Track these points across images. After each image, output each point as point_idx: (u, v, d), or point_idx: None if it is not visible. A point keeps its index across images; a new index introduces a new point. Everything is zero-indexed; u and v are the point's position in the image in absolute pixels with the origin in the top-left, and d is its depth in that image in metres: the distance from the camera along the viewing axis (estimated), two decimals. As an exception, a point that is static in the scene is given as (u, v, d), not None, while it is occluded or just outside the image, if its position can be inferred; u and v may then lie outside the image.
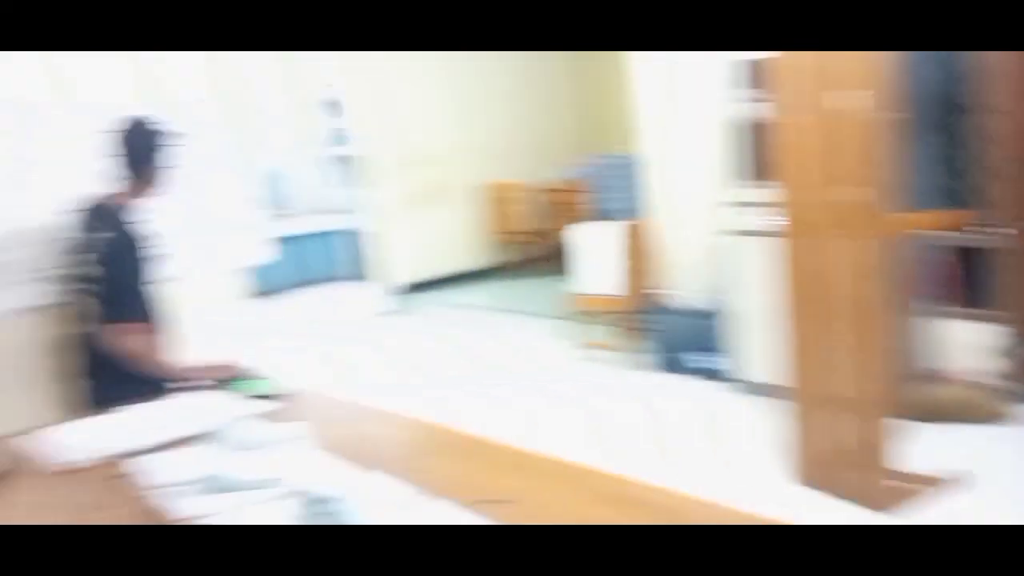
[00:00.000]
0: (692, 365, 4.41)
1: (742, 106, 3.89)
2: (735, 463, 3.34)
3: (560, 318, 5.25)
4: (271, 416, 1.93)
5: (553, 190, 7.16)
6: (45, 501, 1.55)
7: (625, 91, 4.90)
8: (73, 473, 1.67)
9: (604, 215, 4.87)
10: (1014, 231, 3.63)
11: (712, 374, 4.31)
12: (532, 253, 7.23)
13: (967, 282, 3.78)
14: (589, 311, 4.98)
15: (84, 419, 1.99)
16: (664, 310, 4.56)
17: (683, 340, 4.45)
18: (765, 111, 3.71)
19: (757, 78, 3.76)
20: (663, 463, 3.38)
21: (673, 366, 4.50)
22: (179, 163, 2.33)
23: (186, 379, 2.22)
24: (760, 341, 3.93)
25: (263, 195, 3.25)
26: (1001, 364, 3.73)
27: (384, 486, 1.40)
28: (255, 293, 4.07)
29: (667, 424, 3.83)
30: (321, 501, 1.26)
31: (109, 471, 1.65)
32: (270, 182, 6.98)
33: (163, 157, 2.30)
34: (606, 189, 5.02)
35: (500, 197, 7.14)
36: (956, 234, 3.68)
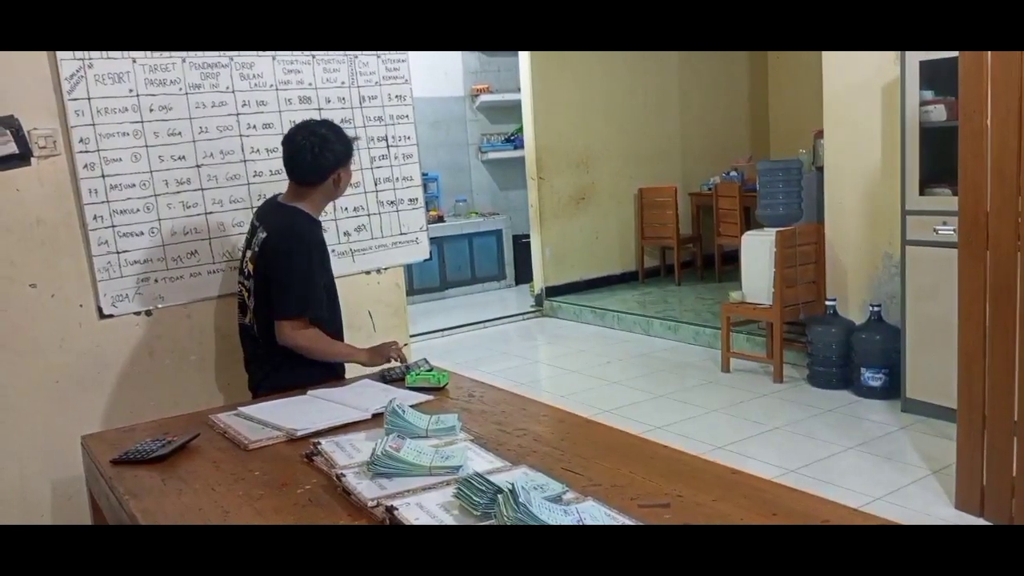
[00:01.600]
0: (854, 380, 4.20)
1: (926, 109, 3.67)
2: (897, 484, 3.15)
3: (712, 326, 5.13)
4: (431, 406, 2.00)
5: (709, 195, 7.01)
6: (233, 474, 1.68)
7: (798, 93, 4.74)
8: (260, 450, 1.80)
9: (766, 221, 4.71)
10: None
11: (876, 391, 4.08)
12: (684, 259, 7.11)
13: None
14: (747, 320, 4.84)
15: (266, 401, 2.14)
16: (827, 321, 4.36)
17: (846, 353, 4.24)
18: (949, 115, 3.49)
19: (942, 80, 3.54)
20: (823, 480, 3.24)
21: (833, 380, 4.30)
22: (347, 165, 2.43)
23: (375, 361, 2.39)
24: (929, 358, 3.70)
25: (423, 196, 3.37)
26: None
27: (538, 480, 1.42)
28: (409, 292, 4.22)
29: (818, 439, 3.66)
30: (484, 490, 1.30)
31: (293, 449, 1.77)
32: (430, 183, 7.23)
33: (328, 159, 2.38)
34: (770, 195, 4.86)
35: (654, 201, 7.06)
36: None
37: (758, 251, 4.57)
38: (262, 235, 2.37)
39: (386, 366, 2.39)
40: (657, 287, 6.97)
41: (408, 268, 3.49)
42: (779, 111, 7.75)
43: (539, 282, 6.81)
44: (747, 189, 6.40)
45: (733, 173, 6.96)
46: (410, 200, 3.27)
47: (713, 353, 5.03)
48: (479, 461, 1.58)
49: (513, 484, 1.23)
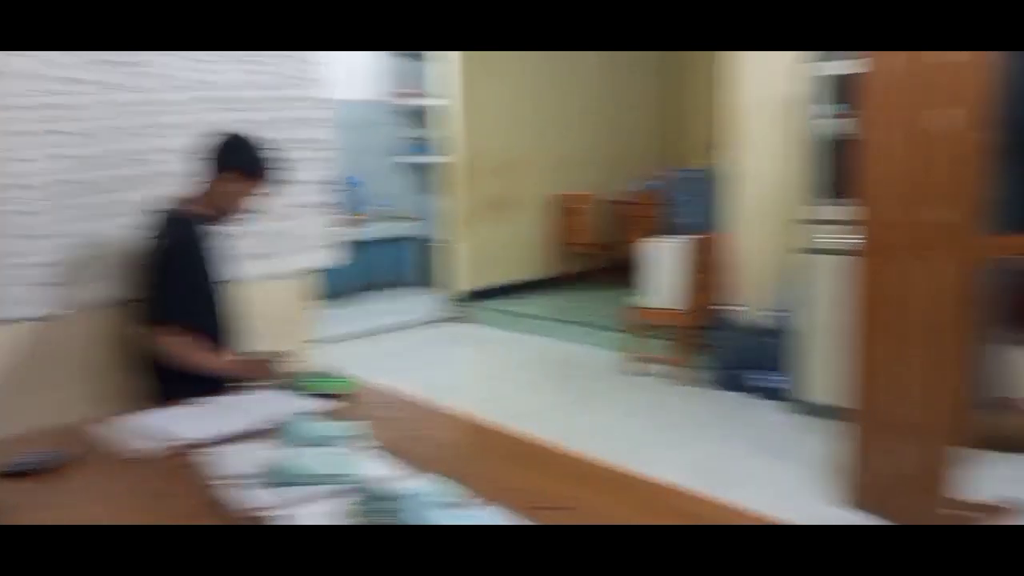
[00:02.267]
0: (750, 383, 4.33)
1: (826, 122, 3.82)
2: (787, 484, 3.26)
3: (622, 330, 5.21)
4: (336, 414, 1.97)
5: (624, 202, 7.13)
6: (115, 487, 1.61)
7: (707, 105, 4.88)
8: (142, 460, 1.73)
9: (675, 228, 4.83)
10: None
11: (771, 393, 4.23)
12: (598, 265, 7.21)
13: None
14: (652, 324, 4.94)
15: (152, 410, 2.06)
16: (728, 326, 4.49)
17: (745, 357, 4.38)
18: (850, 127, 3.64)
19: (843, 93, 3.69)
20: (714, 480, 3.32)
21: (732, 383, 4.43)
22: (247, 180, 2.39)
23: (243, 376, 2.27)
24: (825, 361, 3.84)
25: (338, 200, 3.33)
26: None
27: (439, 487, 1.41)
28: (323, 296, 4.15)
29: (717, 441, 3.77)
30: (378, 499, 1.28)
31: (177, 460, 1.71)
32: (346, 187, 7.13)
33: (230, 157, 2.36)
34: (679, 203, 4.98)
35: (569, 208, 7.14)
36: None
37: (666, 257, 4.68)
38: (148, 240, 2.33)
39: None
40: (575, 293, 7.05)
41: (324, 272, 3.43)
42: (696, 120, 7.95)
43: (459, 287, 6.80)
44: (664, 197, 6.54)
45: (652, 181, 7.10)
46: (322, 204, 3.22)
47: (624, 358, 5.11)
48: (380, 469, 1.56)
49: (409, 491, 1.22)
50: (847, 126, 3.70)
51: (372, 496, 1.28)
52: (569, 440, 1.80)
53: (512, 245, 7.08)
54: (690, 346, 4.73)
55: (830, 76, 3.73)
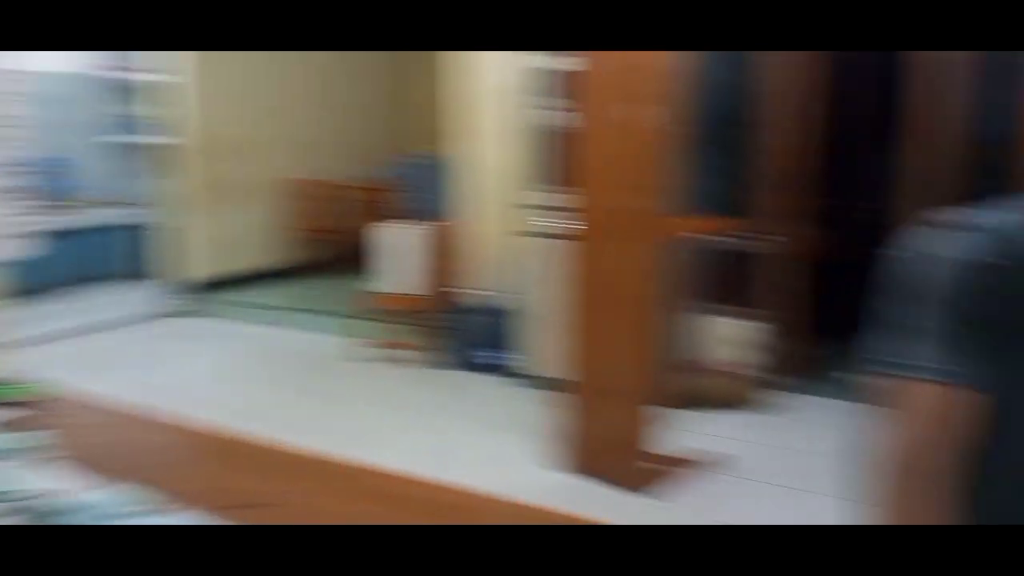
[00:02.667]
0: (483, 362, 4.52)
1: (544, 113, 4.03)
2: (513, 454, 3.45)
3: (358, 317, 5.19)
4: (15, 424, 1.77)
5: (360, 188, 7.07)
6: None
7: (437, 94, 4.98)
8: None
9: (409, 214, 4.88)
10: (779, 238, 4.01)
11: (502, 370, 4.44)
12: (336, 252, 7.10)
13: (734, 283, 4.12)
14: (388, 310, 4.97)
15: None
16: (461, 309, 4.63)
17: (477, 337, 4.55)
18: (564, 119, 3.87)
19: (559, 87, 3.91)
20: (445, 457, 3.44)
21: (467, 363, 4.59)
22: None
23: None
24: (548, 338, 4.08)
25: (36, 184, 2.98)
26: (761, 357, 4.10)
27: (134, 495, 1.32)
28: (19, 291, 3.72)
29: (450, 420, 3.90)
30: (58, 513, 1.17)
31: None
32: (48, 170, 6.40)
33: None
34: (413, 189, 5.03)
35: (305, 194, 6.96)
36: (728, 239, 4.01)
37: (400, 243, 4.72)
38: None
39: None
40: (314, 281, 6.88)
41: (19, 265, 3.06)
42: (428, 107, 8.02)
43: (188, 277, 6.38)
44: (398, 183, 6.56)
45: (392, 167, 7.08)
46: (13, 188, 2.87)
47: (360, 345, 5.09)
48: (60, 482, 1.42)
49: (86, 503, 1.12)
50: (560, 117, 3.95)
51: (42, 512, 1.17)
52: (298, 434, 1.77)
53: (248, 232, 6.77)
54: (425, 330, 4.81)
55: (544, 69, 3.94)
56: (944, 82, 3.66)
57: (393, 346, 4.93)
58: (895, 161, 4.16)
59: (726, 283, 4.11)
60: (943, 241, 0.98)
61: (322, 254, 7.08)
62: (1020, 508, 1.01)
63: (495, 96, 4.47)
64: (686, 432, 3.58)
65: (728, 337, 4.08)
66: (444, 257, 4.79)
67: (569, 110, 3.07)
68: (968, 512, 1.04)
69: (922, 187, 3.68)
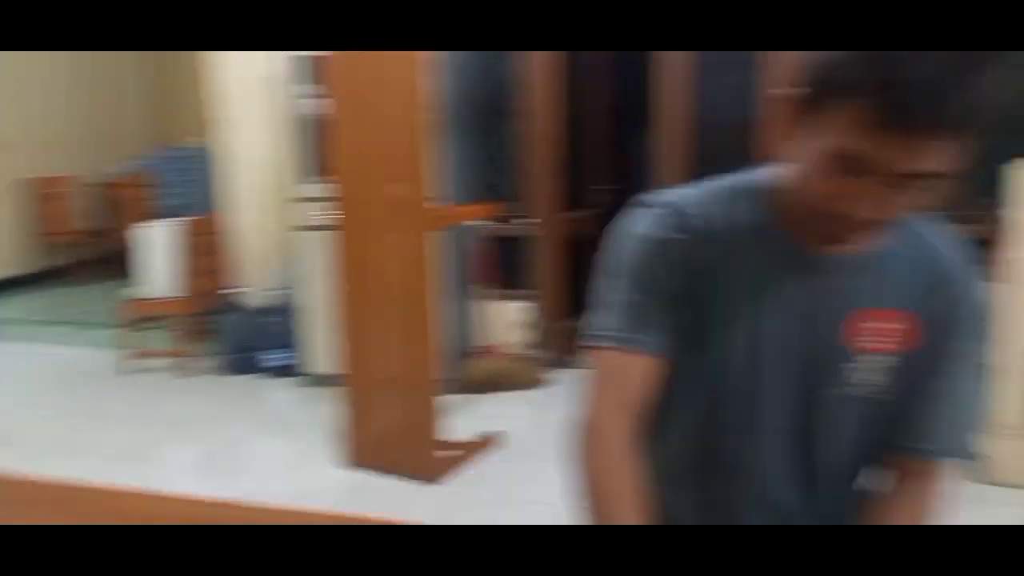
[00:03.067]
0: (261, 363, 4.36)
1: (306, 102, 3.92)
2: (298, 454, 3.37)
3: (124, 327, 4.82)
4: None
5: (112, 185, 6.55)
6: None
7: (197, 83, 4.69)
8: None
9: (168, 211, 4.58)
10: (539, 221, 4.18)
11: (281, 371, 4.30)
12: (86, 256, 6.54)
13: (506, 267, 4.26)
14: (150, 316, 4.65)
15: None
16: (232, 309, 4.43)
17: (252, 339, 4.37)
18: (327, 108, 3.79)
19: (317, 74, 3.81)
20: (227, 465, 3.29)
21: (242, 366, 4.40)
22: None
23: None
24: (325, 334, 4.01)
25: None
26: (535, 337, 4.27)
27: None
28: None
29: (229, 426, 3.73)
30: None
31: None
32: None
33: None
34: (170, 184, 4.73)
35: (48, 193, 6.33)
36: (494, 224, 4.13)
37: (160, 243, 4.43)
38: None
39: None
40: (64, 289, 6.29)
41: None
42: (189, 97, 7.58)
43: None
44: (155, 178, 6.13)
45: (141, 161, 6.60)
46: None
47: (116, 356, 4.72)
48: None
49: None
50: (322, 106, 3.86)
51: None
52: (52, 458, 1.60)
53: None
54: (194, 335, 4.56)
55: (304, 57, 3.84)
56: (688, 73, 3.97)
57: (160, 355, 4.62)
58: (645, 146, 4.47)
59: (496, 267, 4.23)
60: (635, 219, 1.07)
61: (75, 259, 6.49)
62: (691, 461, 1.13)
63: (260, 84, 4.30)
64: (476, 417, 3.67)
65: (504, 320, 4.21)
66: (211, 255, 4.55)
67: (326, 98, 3.01)
68: (650, 466, 1.15)
69: (668, 170, 3.99)
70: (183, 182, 4.66)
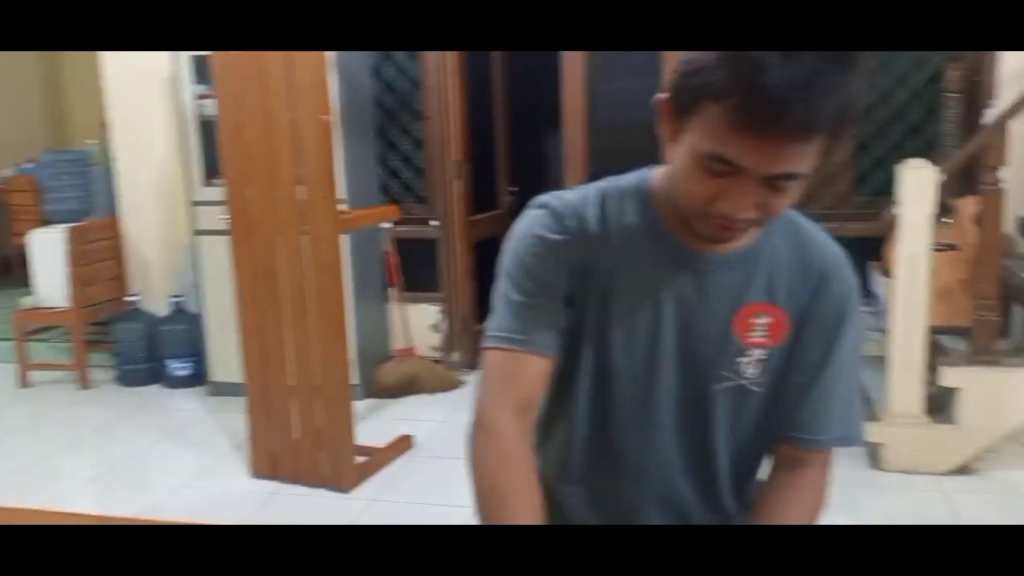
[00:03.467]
0: (165, 373, 4.19)
1: (205, 103, 3.79)
2: (204, 465, 3.25)
3: (11, 338, 4.55)
4: None
5: (2, 190, 6.19)
6: None
7: (92, 83, 4.48)
8: None
9: (56, 216, 4.35)
10: (446, 223, 4.15)
11: (187, 380, 4.15)
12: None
13: (418, 270, 4.22)
14: (46, 326, 4.42)
15: None
16: (130, 317, 4.25)
17: (155, 347, 4.20)
18: (222, 110, 3.67)
19: (211, 76, 3.69)
20: (131, 478, 3.15)
21: (145, 376, 4.23)
22: None
23: None
24: (228, 341, 3.89)
25: None
26: (444, 340, 4.25)
27: None
28: None
29: (131, 438, 3.57)
30: None
31: None
32: None
33: None
34: (58, 188, 4.49)
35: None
36: (404, 227, 4.08)
37: (50, 250, 4.20)
38: None
39: None
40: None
41: None
42: (77, 99, 7.24)
43: None
44: (41, 182, 5.82)
45: (27, 165, 6.26)
46: None
47: (10, 368, 4.47)
48: None
49: None
50: (220, 108, 3.74)
51: None
52: None
53: None
54: (94, 345, 4.35)
55: (199, 56, 3.70)
56: (592, 75, 4.01)
57: (54, 368, 4.39)
58: (551, 147, 4.50)
59: (410, 271, 4.18)
60: (522, 220, 1.08)
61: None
62: (587, 459, 1.14)
63: (157, 85, 4.13)
64: (391, 421, 3.62)
65: (419, 323, 4.17)
66: (108, 261, 4.35)
67: (223, 100, 2.91)
68: (546, 465, 1.15)
69: (572, 170, 4.02)
70: (76, 186, 4.43)
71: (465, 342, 4.25)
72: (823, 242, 1.08)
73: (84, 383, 4.23)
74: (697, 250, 1.02)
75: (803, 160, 0.85)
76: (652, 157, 1.04)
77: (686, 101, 0.87)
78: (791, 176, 0.86)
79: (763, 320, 1.04)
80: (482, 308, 4.10)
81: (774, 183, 0.87)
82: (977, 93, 3.56)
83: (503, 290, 1.05)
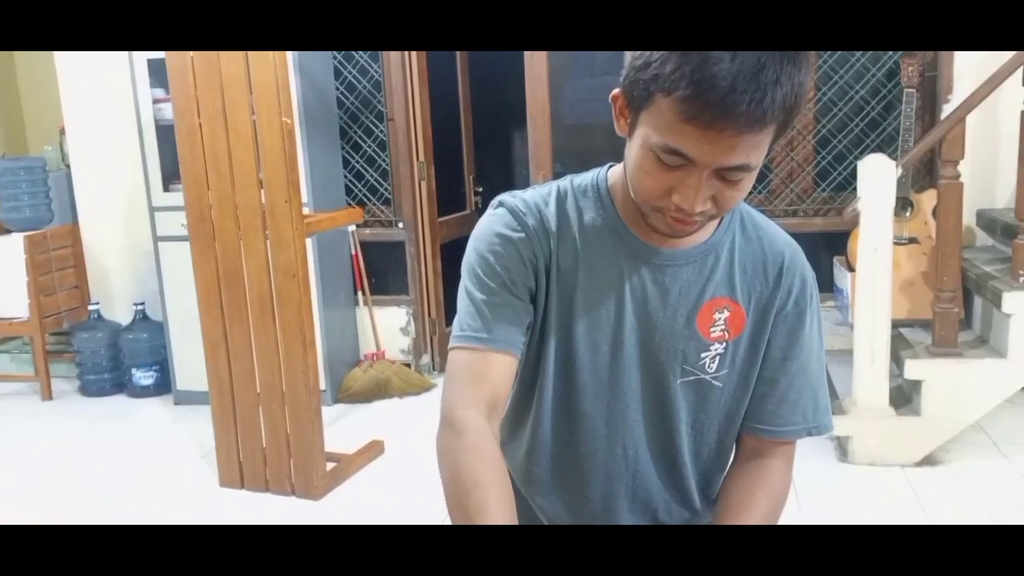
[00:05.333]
0: (129, 382, 4.11)
1: (158, 107, 3.73)
2: (174, 473, 3.20)
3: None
4: None
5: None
6: None
7: (47, 88, 4.40)
8: None
9: (12, 225, 4.25)
10: (404, 225, 4.12)
11: (151, 389, 4.08)
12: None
13: (386, 272, 4.19)
14: (4, 337, 4.33)
15: None
16: (90, 326, 4.16)
17: (118, 356, 4.13)
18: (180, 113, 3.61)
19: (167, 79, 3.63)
20: (84, 492, 3.08)
21: (108, 386, 4.15)
22: None
23: None
24: (193, 349, 3.83)
25: None
26: (408, 342, 4.23)
27: None
28: None
29: (97, 450, 3.50)
30: None
31: None
32: None
33: None
34: (13, 196, 4.38)
35: None
36: (365, 230, 4.05)
37: (7, 259, 4.11)
38: None
39: None
40: None
41: None
42: (33, 105, 7.09)
43: None
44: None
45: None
46: None
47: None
48: None
49: None
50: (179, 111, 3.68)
51: None
52: None
53: None
54: (51, 355, 4.26)
55: (155, 60, 3.64)
56: (555, 74, 4.01)
57: (11, 379, 4.30)
58: (518, 147, 4.50)
59: (377, 273, 4.15)
60: (485, 219, 1.08)
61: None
62: (556, 456, 1.14)
63: (115, 89, 4.05)
64: (361, 426, 3.58)
65: (388, 326, 4.14)
66: (68, 270, 4.26)
67: (178, 104, 2.85)
68: (509, 461, 1.15)
69: (536, 168, 4.02)
70: (33, 193, 4.33)
71: (435, 344, 4.23)
72: (778, 235, 1.09)
73: (47, 394, 4.14)
74: (656, 245, 1.03)
75: (753, 152, 0.86)
76: (617, 154, 1.04)
77: (639, 95, 0.88)
78: (742, 168, 0.87)
79: (724, 314, 1.05)
80: (451, 310, 4.11)
81: (726, 175, 0.88)
82: (935, 88, 3.62)
83: (466, 289, 1.05)
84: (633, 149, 0.93)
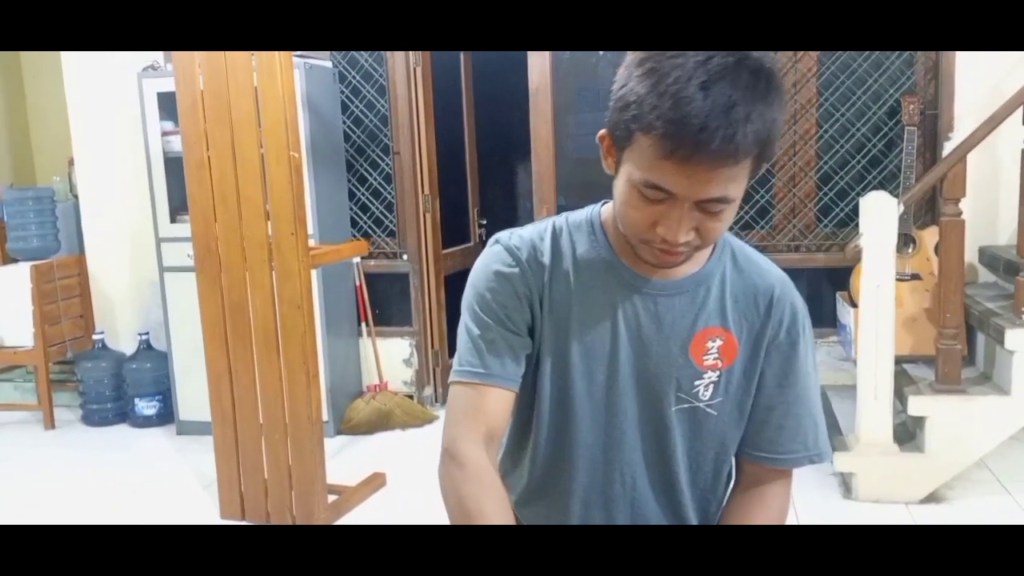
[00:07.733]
0: (132, 412, 4.11)
1: (167, 140, 3.77)
2: (176, 505, 3.19)
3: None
4: None
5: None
6: None
7: (56, 119, 4.46)
8: None
9: (19, 254, 4.28)
10: (409, 257, 4.15)
11: (154, 419, 4.08)
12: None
13: (391, 304, 4.20)
14: (1, 367, 4.33)
15: None
16: (94, 356, 4.17)
17: (121, 386, 4.13)
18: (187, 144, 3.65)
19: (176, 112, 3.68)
20: (86, 522, 3.07)
21: (111, 416, 4.15)
22: None
23: None
24: (196, 379, 3.83)
25: None
26: (411, 373, 4.23)
27: None
28: None
29: (100, 479, 3.49)
30: None
31: None
32: None
33: None
34: (21, 226, 4.42)
35: None
36: (369, 262, 4.08)
37: (14, 288, 4.13)
38: None
39: None
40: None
41: None
42: (43, 135, 7.16)
43: None
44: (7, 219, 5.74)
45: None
46: None
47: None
48: None
49: None
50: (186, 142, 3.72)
51: None
52: None
53: None
54: (59, 384, 4.27)
55: (164, 93, 3.69)
56: (559, 108, 4.05)
57: (14, 408, 4.30)
58: (522, 180, 4.53)
59: (381, 305, 4.16)
60: (483, 256, 1.12)
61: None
62: (554, 486, 1.16)
63: (123, 120, 4.10)
64: (364, 457, 3.57)
65: (391, 358, 4.14)
66: (73, 299, 4.28)
67: (188, 137, 2.89)
68: (517, 493, 1.17)
69: (540, 202, 4.04)
70: (41, 223, 4.37)
71: (438, 376, 4.23)
72: (769, 269, 1.12)
73: (49, 423, 4.14)
74: (648, 276, 1.06)
75: (731, 184, 0.90)
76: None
77: (621, 134, 0.92)
78: (721, 200, 0.91)
79: (717, 343, 1.08)
80: (454, 342, 4.10)
81: (706, 207, 0.92)
82: (935, 126, 3.65)
83: (465, 325, 1.09)
84: (619, 185, 0.97)
